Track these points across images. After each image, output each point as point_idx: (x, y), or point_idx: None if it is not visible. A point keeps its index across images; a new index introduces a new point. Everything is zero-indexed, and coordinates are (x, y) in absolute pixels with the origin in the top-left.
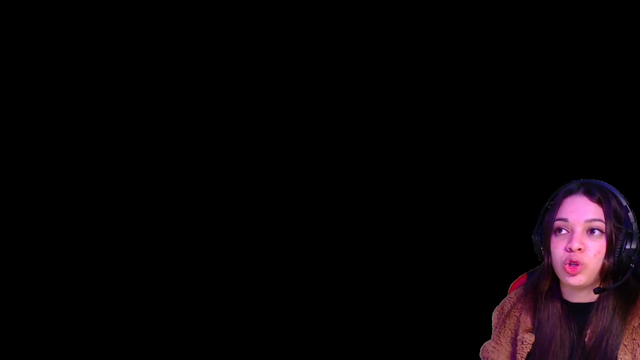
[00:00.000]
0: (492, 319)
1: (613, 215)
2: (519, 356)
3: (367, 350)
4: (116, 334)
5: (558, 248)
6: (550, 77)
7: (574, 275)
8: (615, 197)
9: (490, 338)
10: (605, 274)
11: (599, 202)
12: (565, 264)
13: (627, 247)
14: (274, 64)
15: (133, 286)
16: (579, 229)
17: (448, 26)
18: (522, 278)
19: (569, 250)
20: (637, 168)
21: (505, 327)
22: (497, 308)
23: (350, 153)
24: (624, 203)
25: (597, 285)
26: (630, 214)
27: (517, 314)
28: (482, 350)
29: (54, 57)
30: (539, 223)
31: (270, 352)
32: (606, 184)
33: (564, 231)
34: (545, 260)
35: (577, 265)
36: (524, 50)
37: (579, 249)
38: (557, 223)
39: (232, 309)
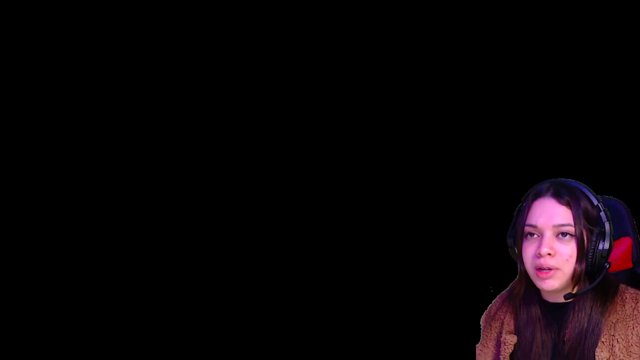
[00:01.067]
0: (481, 322)
1: (583, 217)
2: (501, 357)
3: (366, 351)
4: (116, 334)
5: (528, 253)
6: (550, 76)
7: (545, 279)
8: (586, 196)
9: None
10: (577, 277)
11: (568, 204)
12: (536, 269)
13: (600, 247)
14: (273, 64)
15: (133, 286)
16: (549, 234)
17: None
18: None
19: (538, 255)
20: (635, 167)
21: (491, 329)
22: (485, 311)
23: (347, 156)
24: (596, 202)
25: (572, 288)
26: (602, 213)
27: (502, 316)
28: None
29: (54, 57)
30: (513, 225)
31: (270, 352)
32: (577, 183)
33: (534, 235)
34: (519, 264)
35: (549, 270)
36: (523, 52)
37: (549, 254)
38: (527, 228)
39: (231, 309)
